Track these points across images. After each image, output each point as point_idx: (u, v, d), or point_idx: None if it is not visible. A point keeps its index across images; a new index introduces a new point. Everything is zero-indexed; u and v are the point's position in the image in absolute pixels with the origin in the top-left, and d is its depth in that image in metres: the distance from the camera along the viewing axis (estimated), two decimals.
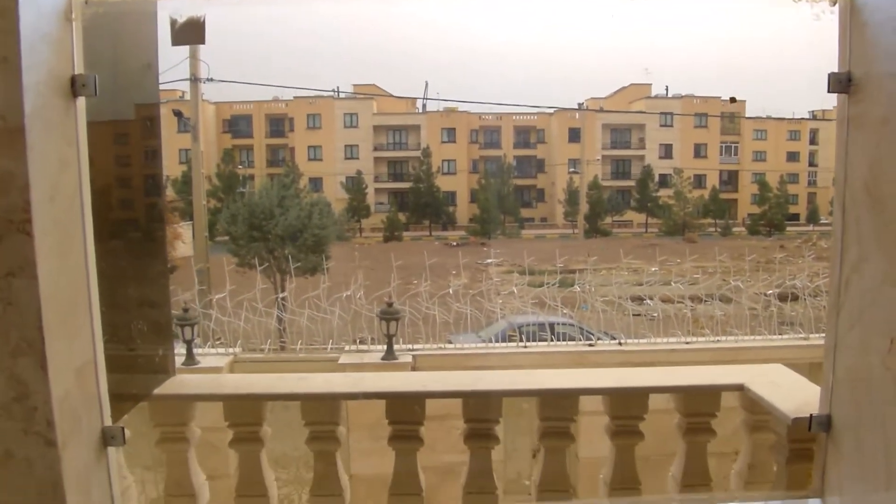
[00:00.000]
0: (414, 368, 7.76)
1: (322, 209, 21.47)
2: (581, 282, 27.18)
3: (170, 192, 52.64)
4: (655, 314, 9.03)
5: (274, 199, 20.21)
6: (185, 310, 7.70)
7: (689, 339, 8.06)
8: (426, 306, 8.08)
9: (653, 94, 75.36)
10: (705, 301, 8.83)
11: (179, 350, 7.99)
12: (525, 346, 8.02)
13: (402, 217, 63.65)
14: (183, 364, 7.72)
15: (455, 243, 52.69)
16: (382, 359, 7.68)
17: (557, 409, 4.42)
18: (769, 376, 4.14)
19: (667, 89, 78.32)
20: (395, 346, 7.92)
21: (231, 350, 8.20)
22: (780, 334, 8.58)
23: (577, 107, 66.48)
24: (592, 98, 76.29)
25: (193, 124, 19.20)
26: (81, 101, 2.72)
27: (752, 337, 8.20)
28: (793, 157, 76.74)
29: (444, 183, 68.16)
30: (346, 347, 8.07)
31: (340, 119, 70.80)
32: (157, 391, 3.80)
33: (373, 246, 53.83)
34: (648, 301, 9.19)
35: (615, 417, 4.39)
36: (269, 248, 20.39)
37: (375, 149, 71.93)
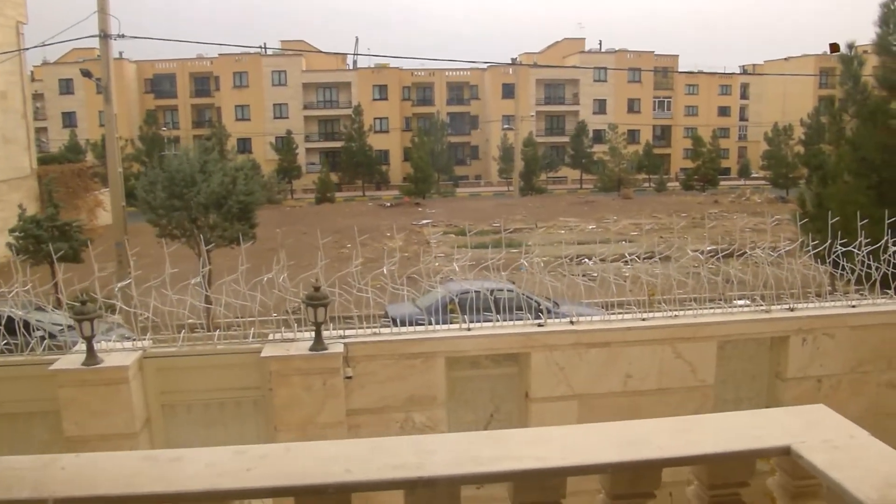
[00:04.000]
0: (346, 358, 6.99)
1: (247, 174, 20.28)
2: (518, 241, 26.71)
3: (91, 158, 50.50)
4: (595, 275, 8.41)
5: (195, 165, 18.97)
6: (83, 302, 6.74)
7: (644, 315, 7.43)
8: (357, 287, 7.26)
9: (586, 48, 75.07)
10: (645, 260, 8.20)
11: (81, 347, 7.05)
12: (469, 329, 7.29)
13: (334, 177, 62.28)
14: (83, 364, 6.80)
15: (389, 204, 51.84)
16: (311, 349, 6.87)
17: (539, 492, 3.13)
18: (821, 430, 3.12)
19: (600, 44, 78.15)
20: (325, 333, 7.12)
21: (139, 344, 7.28)
22: (726, 297, 8.07)
23: (510, 62, 65.61)
24: (526, 53, 75.69)
25: (105, 85, 17.80)
26: None
27: (712, 310, 7.60)
28: (724, 111, 77.58)
29: (376, 141, 66.97)
30: (271, 336, 7.22)
31: (268, 77, 68.83)
32: None
33: (305, 208, 52.59)
34: (588, 261, 8.53)
35: (616, 498, 3.22)
36: (191, 216, 19.20)
37: (305, 107, 70.29)
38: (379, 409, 7.20)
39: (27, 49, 32.92)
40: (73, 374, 6.76)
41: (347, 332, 7.20)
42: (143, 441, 7.08)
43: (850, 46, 17.40)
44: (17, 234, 19.83)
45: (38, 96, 66.22)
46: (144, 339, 7.47)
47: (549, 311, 8.11)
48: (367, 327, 7.33)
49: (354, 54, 76.81)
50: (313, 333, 6.92)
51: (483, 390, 7.54)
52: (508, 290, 8.15)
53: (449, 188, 63.60)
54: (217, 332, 7.26)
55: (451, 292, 9.92)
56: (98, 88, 18.79)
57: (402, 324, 7.54)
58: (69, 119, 64.61)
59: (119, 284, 7.11)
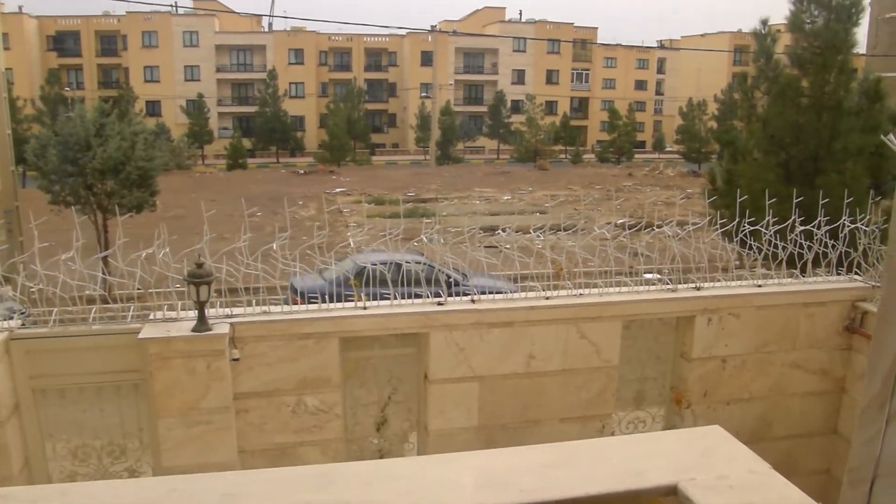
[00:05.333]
0: (232, 339, 6.56)
1: (147, 138, 19.34)
2: (431, 211, 26.37)
3: None
4: (508, 246, 8.16)
5: (90, 128, 17.96)
6: None
7: (548, 294, 7.19)
8: (246, 262, 6.82)
9: (507, 18, 74.84)
10: (555, 232, 7.99)
11: None
12: (365, 308, 6.93)
13: (247, 143, 60.75)
14: None
15: (303, 171, 50.92)
16: (193, 330, 6.40)
17: None
18: (716, 462, 2.66)
19: (520, 14, 78.05)
20: (211, 312, 6.66)
21: (5, 325, 6.68)
22: (635, 271, 7.92)
23: (429, 29, 64.89)
24: (446, 21, 75.04)
25: None
26: None
27: (617, 289, 7.42)
28: (641, 85, 78.60)
29: (291, 107, 65.57)
30: (152, 315, 6.71)
31: (179, 37, 66.49)
32: None
33: (216, 175, 51.20)
34: (500, 232, 8.27)
35: None
36: (86, 183, 18.21)
37: (218, 70, 68.26)
38: (269, 392, 6.80)
39: None
40: None
41: (235, 311, 6.76)
42: (11, 429, 6.51)
43: (764, 23, 17.54)
44: None
45: None
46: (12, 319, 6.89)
47: (457, 284, 7.83)
48: (257, 306, 6.91)
49: (270, 16, 75.08)
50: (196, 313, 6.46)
51: (381, 371, 7.22)
52: (418, 262, 7.83)
53: (365, 156, 62.83)
54: (93, 311, 6.73)
55: (356, 265, 9.54)
56: None
57: (306, 297, 7.16)
58: None
59: (20, 258, 6.47)
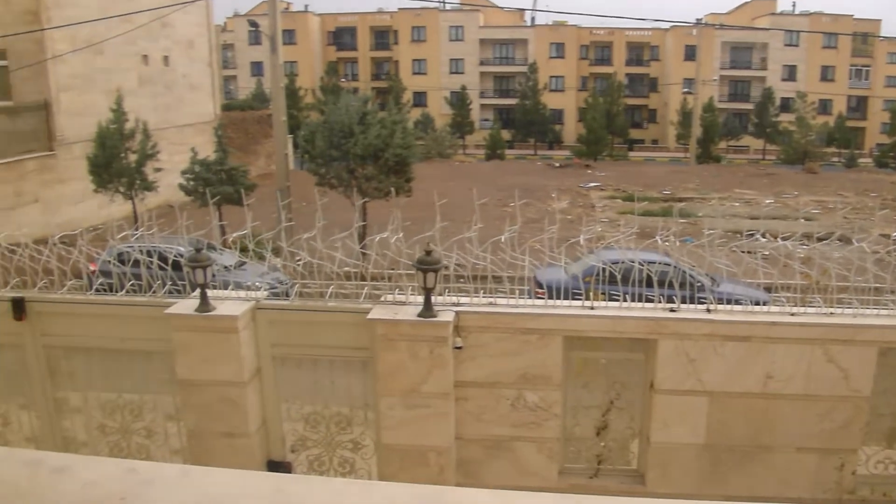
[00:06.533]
0: (457, 327, 6.66)
1: (405, 127, 20.23)
2: (688, 211, 25.33)
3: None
4: (767, 253, 7.61)
5: (354, 116, 19.11)
6: (198, 249, 6.73)
7: (794, 311, 6.60)
8: (476, 254, 6.90)
9: (778, 10, 70.23)
10: (822, 241, 7.26)
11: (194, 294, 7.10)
12: (592, 308, 6.75)
13: (506, 135, 61.82)
14: (196, 311, 6.83)
15: (558, 164, 50.91)
16: (419, 315, 6.57)
17: None
18: None
19: (794, 5, 72.98)
20: (438, 300, 6.80)
21: (253, 295, 7.25)
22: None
23: (694, 22, 62.37)
24: (712, 13, 71.82)
25: (271, 35, 18.15)
26: None
27: (876, 310, 6.66)
28: None
29: (550, 100, 65.85)
30: (384, 298, 6.98)
31: (446, 32, 69.00)
32: None
33: (474, 164, 52.56)
34: (760, 238, 7.71)
35: None
36: (348, 167, 19.41)
37: (481, 63, 70.03)
38: (490, 383, 6.85)
39: None
40: (186, 318, 6.81)
41: (461, 300, 6.86)
42: (251, 390, 7.07)
43: None
44: (187, 175, 20.80)
45: (228, 46, 69.57)
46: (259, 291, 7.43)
47: (702, 289, 7.47)
48: (484, 297, 6.96)
49: (533, 10, 75.68)
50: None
51: (605, 374, 7.02)
52: (664, 263, 7.53)
53: (622, 151, 61.75)
54: (330, 289, 7.11)
55: (603, 261, 9.33)
56: (251, 40, 19.14)
57: (550, 290, 7.12)
58: (256, 68, 67.27)
59: (305, 236, 7.01)
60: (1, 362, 7.75)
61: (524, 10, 75.45)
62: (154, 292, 7.30)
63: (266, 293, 7.37)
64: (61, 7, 24.59)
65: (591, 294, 6.93)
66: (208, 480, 2.05)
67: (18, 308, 7.32)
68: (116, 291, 7.33)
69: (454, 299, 6.84)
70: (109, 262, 7.56)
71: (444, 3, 59.62)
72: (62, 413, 7.86)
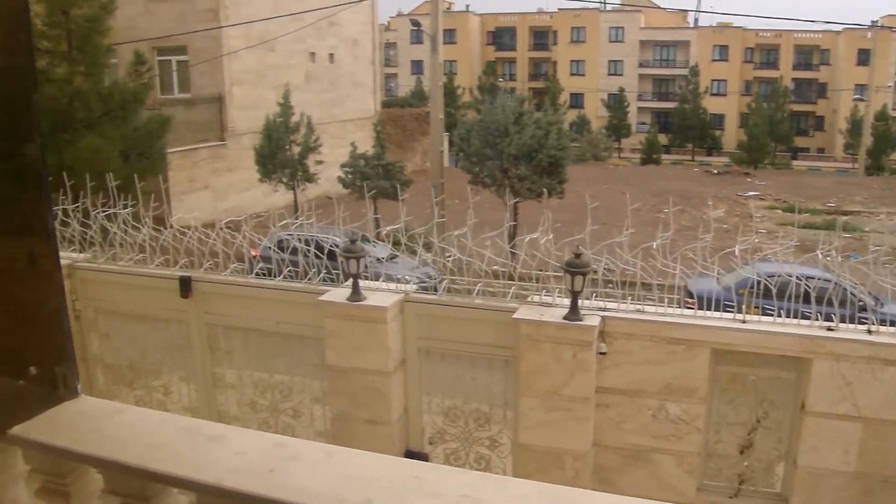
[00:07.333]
0: (602, 332, 6.58)
1: (560, 129, 20.16)
2: (854, 226, 23.95)
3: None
4: None
5: (510, 116, 19.21)
6: (353, 240, 6.98)
7: None
8: (626, 259, 6.79)
9: None
10: None
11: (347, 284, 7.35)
12: (744, 322, 6.50)
13: (663, 139, 60.35)
14: (348, 299, 7.07)
15: (717, 171, 49.27)
16: (564, 318, 6.54)
17: None
18: None
19: None
20: (585, 303, 6.74)
21: (402, 288, 7.43)
22: None
23: (870, 25, 58.70)
24: (889, 15, 67.23)
25: (432, 35, 18.51)
26: None
27: None
28: None
29: (711, 104, 63.71)
30: (530, 298, 6.99)
31: (605, 33, 68.06)
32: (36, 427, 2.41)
33: (628, 168, 51.66)
34: None
35: None
36: (502, 167, 19.55)
37: (640, 65, 68.64)
38: (632, 391, 6.73)
39: None
40: (338, 306, 7.07)
41: (608, 306, 6.77)
42: (395, 380, 7.26)
43: None
44: (346, 169, 21.56)
45: (391, 45, 71.40)
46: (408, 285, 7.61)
47: (868, 309, 7.05)
48: (632, 303, 6.84)
49: (696, 11, 73.45)
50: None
51: (753, 391, 6.74)
52: (824, 279, 7.17)
53: (785, 160, 58.99)
54: (478, 287, 7.19)
55: (759, 273, 9.00)
56: (412, 39, 19.54)
57: (701, 300, 6.93)
58: (417, 67, 68.69)
59: (457, 233, 7.16)
60: (167, 336, 8.32)
61: (687, 11, 73.29)
62: (309, 279, 7.60)
63: (415, 287, 7.54)
64: (238, 6, 26.04)
65: (744, 307, 6.68)
66: (350, 462, 2.14)
67: (185, 286, 7.85)
68: (275, 276, 7.71)
69: (601, 304, 6.76)
70: (270, 248, 8.00)
71: (605, 3, 58.91)
72: (218, 388, 8.35)
